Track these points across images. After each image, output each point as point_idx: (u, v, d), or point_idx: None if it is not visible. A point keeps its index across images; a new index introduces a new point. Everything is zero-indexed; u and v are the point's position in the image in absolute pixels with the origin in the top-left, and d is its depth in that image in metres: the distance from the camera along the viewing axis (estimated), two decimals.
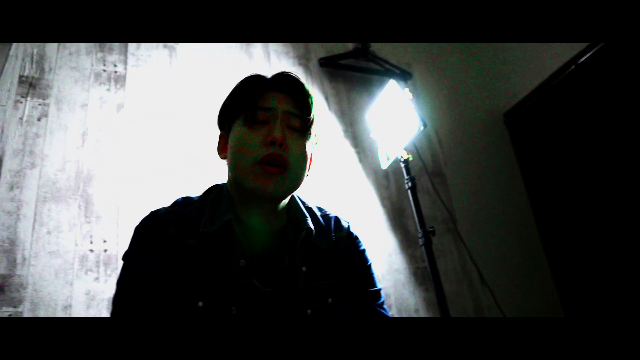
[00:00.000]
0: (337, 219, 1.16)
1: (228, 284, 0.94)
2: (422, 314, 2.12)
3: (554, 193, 2.65)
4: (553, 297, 2.52)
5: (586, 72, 2.44)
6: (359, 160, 2.38)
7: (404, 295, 2.14)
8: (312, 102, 1.01)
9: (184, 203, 1.04)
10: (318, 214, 1.14)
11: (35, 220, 1.68)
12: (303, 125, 0.99)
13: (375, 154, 2.32)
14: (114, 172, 1.86)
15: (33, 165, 1.75)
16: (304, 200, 1.14)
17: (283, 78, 1.01)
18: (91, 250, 1.70)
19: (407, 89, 2.00)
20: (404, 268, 2.21)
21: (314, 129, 1.02)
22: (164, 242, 0.95)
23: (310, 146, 1.02)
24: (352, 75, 2.60)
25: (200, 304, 0.91)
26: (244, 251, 0.96)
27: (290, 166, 0.95)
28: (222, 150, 1.06)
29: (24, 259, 1.60)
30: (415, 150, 2.11)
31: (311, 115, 1.00)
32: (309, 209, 1.13)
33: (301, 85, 1.00)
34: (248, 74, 1.04)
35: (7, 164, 1.72)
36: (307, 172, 1.02)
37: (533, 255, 2.60)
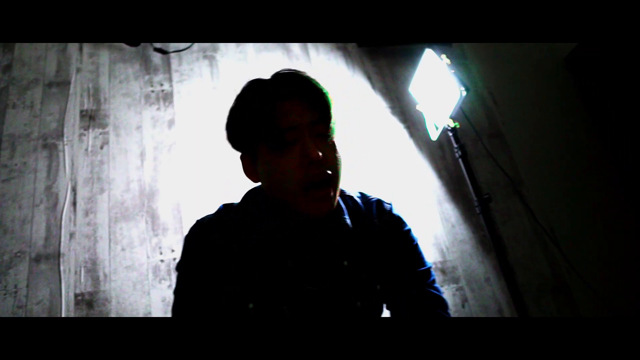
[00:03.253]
0: (379, 203, 1.13)
1: (276, 284, 0.97)
2: (493, 282, 2.06)
3: (632, 136, 2.43)
4: None
5: None
6: (410, 135, 2.34)
7: (472, 265, 2.08)
8: (330, 101, 0.96)
9: (225, 210, 1.08)
10: (359, 201, 1.13)
11: (110, 239, 1.84)
12: (328, 127, 0.95)
13: (424, 126, 2.27)
14: (174, 185, 1.99)
15: (102, 190, 1.92)
16: (343, 189, 1.14)
17: (292, 83, 0.96)
18: (162, 261, 1.84)
19: (444, 55, 1.92)
20: (470, 237, 2.15)
21: (336, 122, 0.98)
22: (211, 249, 0.99)
23: (336, 139, 0.99)
24: (393, 49, 2.54)
25: (251, 305, 0.94)
26: (289, 251, 0.98)
27: (333, 173, 0.94)
28: (252, 174, 1.02)
29: (105, 275, 1.77)
30: (464, 115, 2.03)
31: (332, 114, 0.96)
32: (350, 198, 1.13)
33: (313, 85, 0.96)
34: (248, 83, 1.01)
35: (80, 192, 1.90)
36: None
37: (615, 206, 2.40)
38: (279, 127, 0.91)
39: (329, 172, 0.92)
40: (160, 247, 1.87)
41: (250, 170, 1.03)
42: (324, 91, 0.96)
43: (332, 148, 0.96)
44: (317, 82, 0.97)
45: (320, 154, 0.90)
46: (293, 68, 1.01)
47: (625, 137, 2.48)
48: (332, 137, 0.97)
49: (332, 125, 0.96)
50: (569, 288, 2.15)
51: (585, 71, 2.65)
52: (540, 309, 2.08)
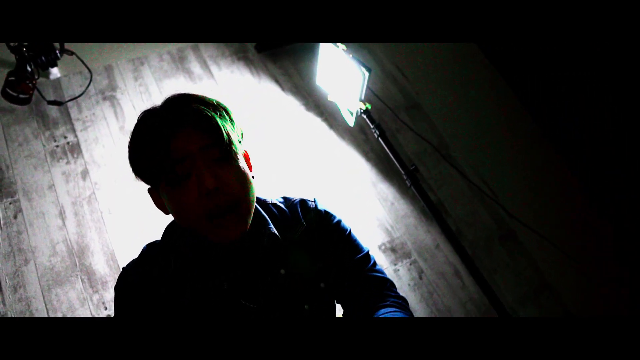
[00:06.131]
0: (302, 202, 1.12)
1: (219, 309, 0.94)
2: (443, 247, 2.09)
3: (540, 81, 2.54)
4: (569, 181, 2.44)
5: None
6: (330, 126, 2.35)
7: (419, 237, 2.11)
8: (220, 123, 0.89)
9: (149, 250, 1.04)
10: (283, 206, 1.11)
11: (47, 309, 1.74)
12: (224, 149, 0.89)
13: (341, 115, 2.28)
14: (102, 236, 1.90)
15: (27, 261, 1.81)
16: (264, 198, 1.11)
17: (178, 112, 0.89)
18: (109, 316, 1.75)
19: (339, 43, 1.93)
20: (411, 210, 2.18)
21: (234, 138, 0.92)
22: (142, 293, 0.96)
23: (240, 151, 0.94)
24: (293, 47, 2.54)
25: None
26: (223, 273, 0.96)
27: (237, 197, 0.89)
28: (162, 207, 0.98)
29: None
30: (375, 95, 2.05)
31: (225, 136, 0.89)
32: (274, 205, 1.10)
33: (199, 110, 0.89)
34: (140, 116, 0.94)
35: (2, 269, 1.78)
36: (252, 177, 0.95)
37: (535, 146, 2.51)
38: (169, 160, 0.86)
39: (231, 197, 0.88)
40: (103, 302, 1.78)
41: (159, 203, 0.99)
42: (210, 114, 0.89)
43: (232, 169, 0.90)
44: (204, 106, 0.90)
45: (217, 181, 0.86)
46: (183, 92, 0.95)
47: (534, 82, 2.59)
48: (233, 157, 0.91)
49: (229, 146, 0.90)
50: (514, 233, 2.22)
51: None
52: (492, 259, 2.15)
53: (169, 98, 0.95)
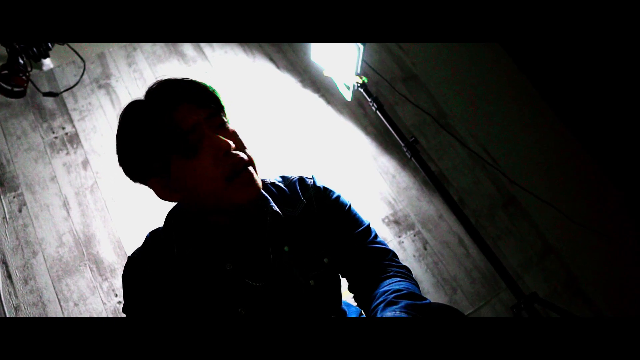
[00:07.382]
0: (300, 180, 1.13)
1: (224, 290, 0.96)
2: (447, 217, 2.10)
3: (537, 42, 2.51)
4: (569, 143, 2.43)
5: None
6: (327, 102, 2.33)
7: (422, 208, 2.12)
8: (216, 91, 0.96)
9: (152, 237, 1.05)
10: (282, 185, 1.12)
11: (59, 299, 1.76)
12: (224, 116, 0.95)
13: (338, 90, 2.27)
14: (107, 224, 1.91)
15: (35, 253, 1.83)
16: (263, 178, 1.12)
17: (173, 90, 0.92)
18: (119, 302, 1.78)
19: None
20: (413, 182, 2.18)
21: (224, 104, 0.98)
22: (149, 281, 0.97)
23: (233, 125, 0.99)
24: None
25: None
26: (226, 254, 0.97)
27: (249, 155, 0.94)
28: (169, 195, 0.97)
29: None
30: (371, 68, 2.03)
31: (223, 104, 0.96)
32: (272, 184, 1.11)
33: (194, 82, 0.94)
34: (126, 108, 0.96)
35: (12, 262, 1.80)
36: None
37: (535, 112, 2.50)
38: (181, 132, 0.89)
39: (245, 156, 0.92)
40: (113, 290, 1.81)
41: (165, 192, 0.98)
42: (206, 85, 0.95)
43: (235, 134, 0.96)
44: (195, 79, 0.96)
45: (230, 141, 0.90)
46: (163, 77, 0.98)
47: (534, 46, 2.56)
48: (230, 124, 0.97)
49: (226, 113, 0.97)
50: (516, 199, 2.23)
51: None
52: (496, 226, 2.16)
53: (153, 85, 0.97)
